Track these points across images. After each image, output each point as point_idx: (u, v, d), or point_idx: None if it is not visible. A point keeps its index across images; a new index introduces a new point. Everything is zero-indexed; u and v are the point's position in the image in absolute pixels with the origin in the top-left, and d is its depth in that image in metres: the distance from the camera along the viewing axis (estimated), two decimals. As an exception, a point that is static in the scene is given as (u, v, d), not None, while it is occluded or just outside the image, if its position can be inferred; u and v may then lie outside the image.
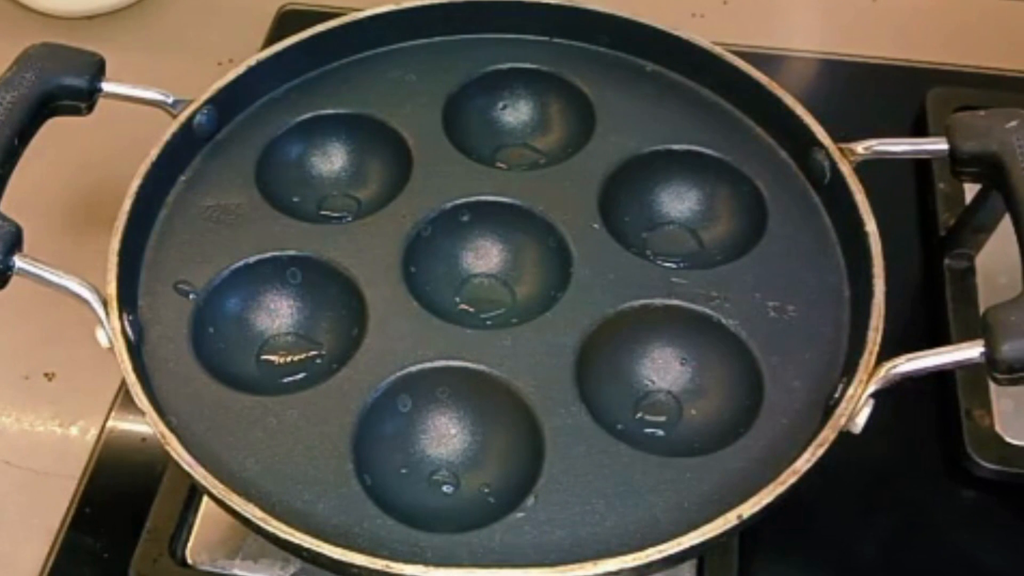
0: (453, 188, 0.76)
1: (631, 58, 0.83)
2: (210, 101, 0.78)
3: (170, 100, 0.77)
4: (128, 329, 0.67)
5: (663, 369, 0.71)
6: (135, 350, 0.67)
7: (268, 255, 0.73)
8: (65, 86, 0.73)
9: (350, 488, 0.64)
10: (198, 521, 0.74)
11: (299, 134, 0.81)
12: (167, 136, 0.75)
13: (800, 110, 0.76)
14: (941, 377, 0.79)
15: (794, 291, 0.71)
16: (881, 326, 0.65)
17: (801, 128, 0.75)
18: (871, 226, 0.69)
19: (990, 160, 0.68)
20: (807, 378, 0.67)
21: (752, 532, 0.64)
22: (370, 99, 0.82)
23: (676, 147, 0.79)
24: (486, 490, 0.67)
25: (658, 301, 0.71)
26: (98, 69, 0.75)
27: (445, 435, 0.68)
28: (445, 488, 0.67)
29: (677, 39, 0.81)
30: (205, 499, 0.74)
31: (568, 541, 0.62)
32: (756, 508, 0.60)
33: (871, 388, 0.63)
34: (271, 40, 0.97)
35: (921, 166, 0.92)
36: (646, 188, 0.78)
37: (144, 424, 0.70)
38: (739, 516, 0.60)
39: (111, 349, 0.66)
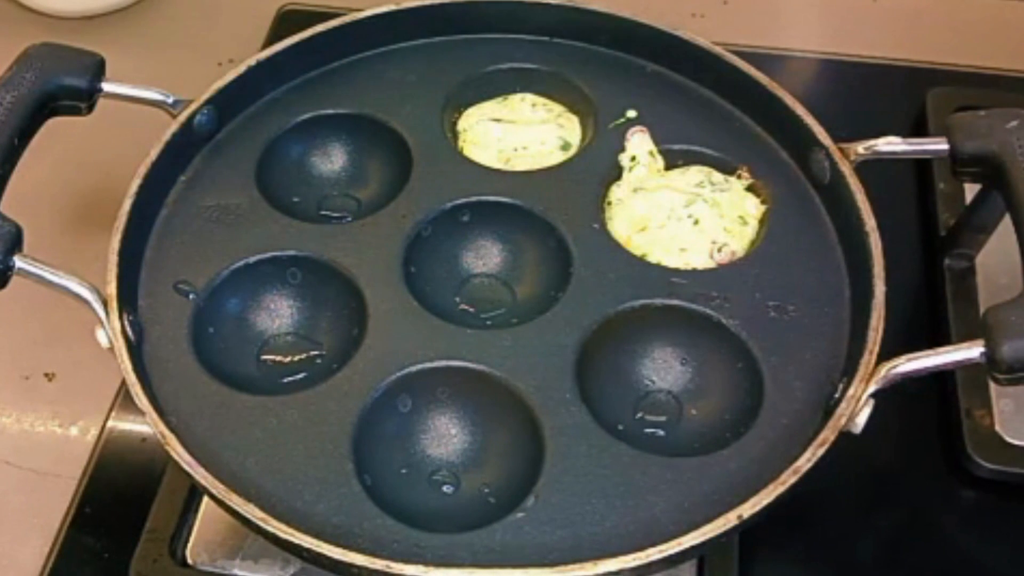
0: (453, 188, 0.76)
1: (631, 58, 0.83)
2: (210, 101, 0.78)
3: (170, 100, 0.77)
4: (128, 329, 0.67)
5: (663, 369, 0.71)
6: (135, 350, 0.67)
7: (268, 255, 0.73)
8: (65, 86, 0.73)
9: (350, 488, 0.64)
10: (198, 521, 0.74)
11: (299, 134, 0.81)
12: (167, 136, 0.75)
13: (800, 110, 0.76)
14: (941, 377, 0.79)
15: (794, 291, 0.71)
16: (881, 326, 0.65)
17: (801, 128, 0.75)
18: (871, 226, 0.69)
19: (990, 160, 0.68)
20: (807, 378, 0.67)
21: (752, 532, 0.64)
22: (370, 99, 0.82)
23: (676, 147, 0.79)
24: (486, 490, 0.67)
25: (658, 301, 0.71)
26: (98, 69, 0.75)
27: (445, 435, 0.68)
28: (445, 488, 0.67)
29: (677, 39, 0.81)
30: (205, 499, 0.74)
31: (568, 541, 0.62)
32: (756, 508, 0.60)
33: (871, 388, 0.63)
34: (271, 40, 0.97)
35: (921, 166, 0.92)
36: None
37: (144, 424, 0.70)
38: (739, 516, 0.60)
39: (111, 349, 0.66)
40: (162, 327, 0.70)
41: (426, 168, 0.78)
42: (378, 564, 0.58)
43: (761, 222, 0.76)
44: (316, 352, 0.72)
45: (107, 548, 0.75)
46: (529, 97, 0.83)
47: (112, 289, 0.67)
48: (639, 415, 0.70)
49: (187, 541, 0.74)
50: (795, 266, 0.72)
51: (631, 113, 0.80)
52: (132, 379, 0.65)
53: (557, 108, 0.83)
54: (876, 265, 0.68)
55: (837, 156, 0.73)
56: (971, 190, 0.85)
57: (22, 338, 0.86)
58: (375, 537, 0.62)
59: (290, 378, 0.71)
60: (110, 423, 0.81)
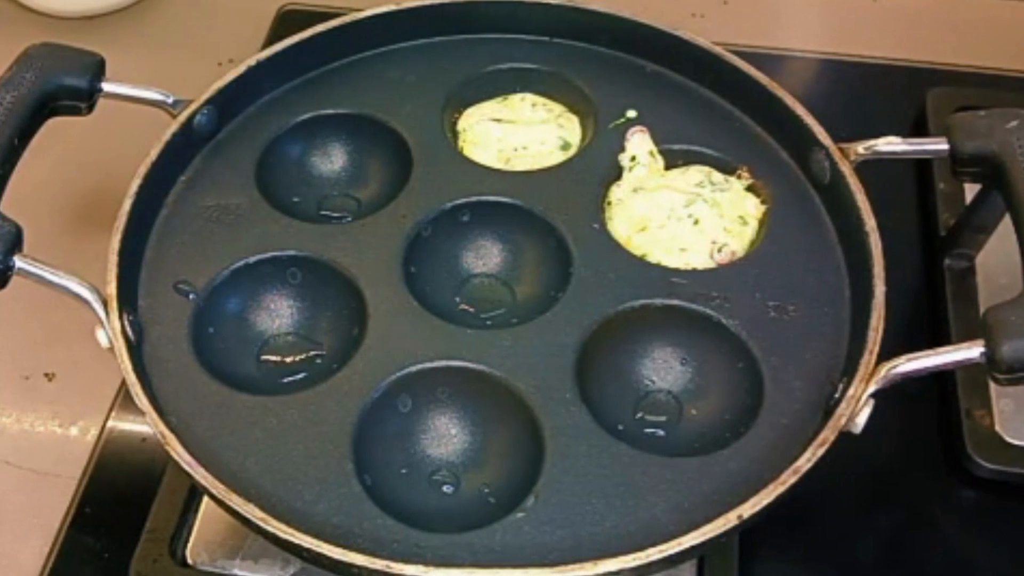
0: (453, 188, 0.76)
1: (631, 58, 0.83)
2: (210, 101, 0.78)
3: (170, 100, 0.77)
4: (128, 329, 0.67)
5: (663, 369, 0.71)
6: (135, 350, 0.67)
7: (268, 255, 0.73)
8: (65, 86, 0.74)
9: (350, 488, 0.64)
10: (198, 521, 0.74)
11: (299, 134, 0.81)
12: (167, 136, 0.75)
13: (800, 110, 0.76)
14: (941, 377, 0.79)
15: (794, 291, 0.71)
16: (881, 326, 0.65)
17: (801, 128, 0.75)
18: (871, 226, 0.69)
19: (990, 160, 0.68)
20: (807, 378, 0.67)
21: (752, 532, 0.64)
22: (370, 99, 0.82)
23: (676, 147, 0.79)
24: (486, 490, 0.67)
25: (658, 301, 0.71)
26: (98, 69, 0.75)
27: (445, 435, 0.68)
28: (445, 488, 0.67)
29: (677, 39, 0.81)
30: (205, 499, 0.74)
31: (568, 541, 0.62)
32: (756, 508, 0.60)
33: (871, 388, 0.63)
34: (271, 40, 0.97)
35: (921, 166, 0.92)
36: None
37: (144, 424, 0.70)
38: (739, 516, 0.60)
39: (111, 349, 0.66)
40: (162, 327, 0.70)
41: (426, 168, 0.78)
42: (378, 564, 0.58)
43: (761, 222, 0.76)
44: (316, 352, 0.72)
45: (107, 548, 0.75)
46: (529, 97, 0.83)
47: (112, 289, 0.67)
48: (639, 415, 0.70)
49: (187, 541, 0.74)
50: (795, 266, 0.72)
51: (631, 113, 0.80)
52: (132, 379, 0.65)
53: (557, 108, 0.83)
54: (876, 265, 0.68)
55: (837, 156, 0.73)
56: (971, 190, 0.85)
57: (22, 338, 0.86)
58: (375, 537, 0.62)
59: (290, 378, 0.71)
60: (110, 423, 0.81)
